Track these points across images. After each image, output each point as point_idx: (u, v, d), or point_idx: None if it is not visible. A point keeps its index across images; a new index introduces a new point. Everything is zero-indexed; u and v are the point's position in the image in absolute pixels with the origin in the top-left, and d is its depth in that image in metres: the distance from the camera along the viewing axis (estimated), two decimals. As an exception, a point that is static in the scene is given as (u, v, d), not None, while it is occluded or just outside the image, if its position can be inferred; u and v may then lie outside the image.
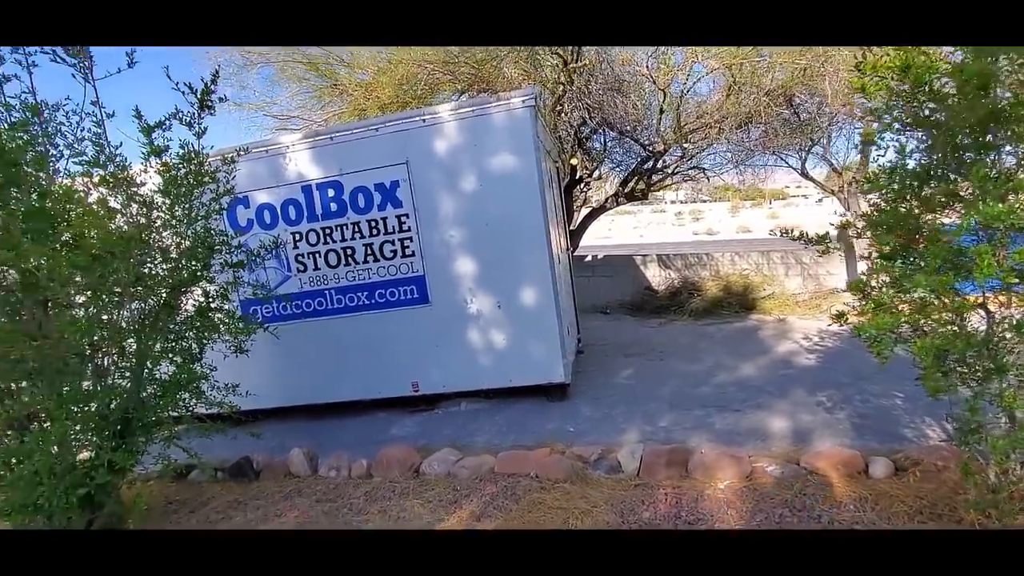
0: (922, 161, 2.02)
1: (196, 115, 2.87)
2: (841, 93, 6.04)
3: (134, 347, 2.98)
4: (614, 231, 27.37)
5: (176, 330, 3.13)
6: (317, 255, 4.81)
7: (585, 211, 9.57)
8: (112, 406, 2.79)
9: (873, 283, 2.09)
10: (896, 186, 2.09)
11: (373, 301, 4.83)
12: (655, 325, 8.30)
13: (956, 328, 1.90)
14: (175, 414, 3.10)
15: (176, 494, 3.75)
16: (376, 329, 4.82)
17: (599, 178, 8.66)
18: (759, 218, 32.48)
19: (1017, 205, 1.73)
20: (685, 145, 7.56)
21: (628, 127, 7.45)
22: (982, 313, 1.91)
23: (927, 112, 1.84)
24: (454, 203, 4.56)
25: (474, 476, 3.31)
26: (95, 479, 2.60)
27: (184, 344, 3.16)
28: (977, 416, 1.83)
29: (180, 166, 2.85)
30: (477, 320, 4.67)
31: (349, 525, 2.97)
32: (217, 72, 2.85)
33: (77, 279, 2.55)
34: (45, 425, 2.66)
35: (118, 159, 2.87)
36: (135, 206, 2.84)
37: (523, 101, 4.36)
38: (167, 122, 2.88)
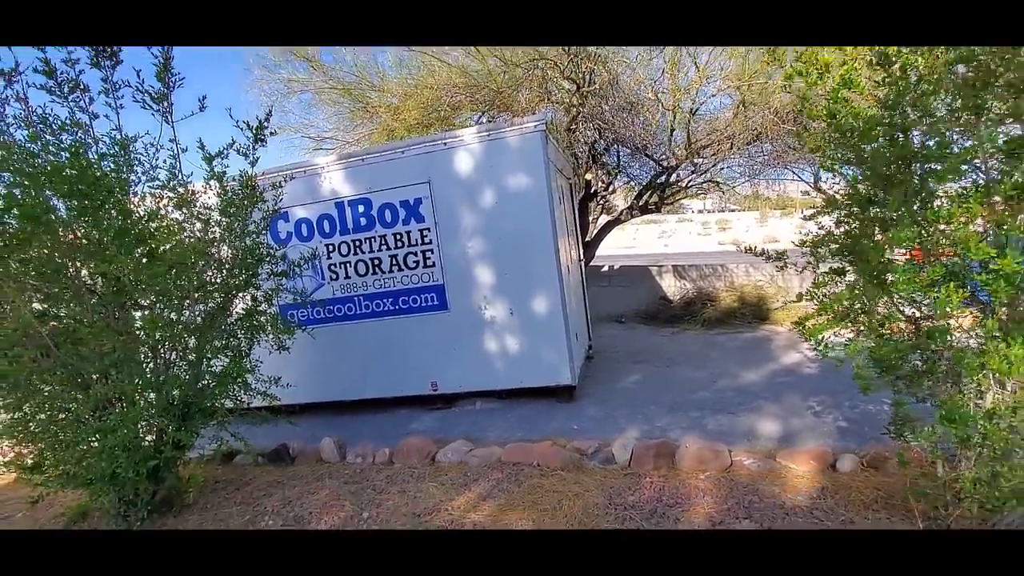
0: (862, 190, 2.34)
1: (251, 147, 3.40)
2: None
3: (193, 343, 3.49)
4: (639, 240, 27.47)
5: (228, 330, 3.63)
6: (348, 264, 5.33)
7: (603, 221, 9.92)
8: (175, 393, 3.31)
9: (822, 293, 2.42)
10: (844, 211, 2.43)
11: (397, 307, 5.31)
12: (668, 334, 8.55)
13: (887, 334, 2.21)
14: (228, 404, 3.61)
15: (223, 475, 4.26)
16: (399, 333, 5.30)
17: (613, 191, 8.98)
18: (788, 228, 32.05)
19: (933, 230, 2.06)
20: (696, 160, 7.86)
21: (641, 144, 7.80)
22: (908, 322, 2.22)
23: (859, 152, 2.17)
24: (471, 218, 5.01)
25: (483, 464, 3.70)
26: (164, 452, 3.10)
27: (235, 342, 3.66)
28: (902, 412, 2.14)
29: (238, 190, 3.36)
30: (491, 325, 5.09)
31: (372, 503, 3.40)
32: (270, 111, 3.37)
33: (153, 285, 3.08)
34: (123, 407, 3.19)
35: (184, 182, 3.42)
36: (198, 223, 3.37)
37: (535, 126, 4.79)
38: (226, 151, 3.42)
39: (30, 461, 3.07)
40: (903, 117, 1.93)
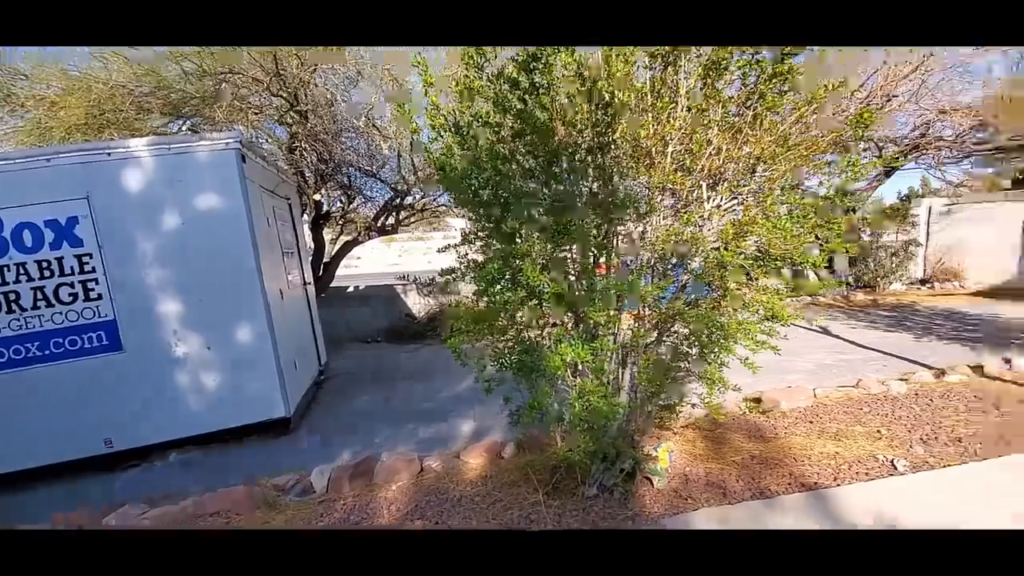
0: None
1: None
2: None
3: None
4: (404, 258, 27.85)
5: None
6: (-39, 303, 4.04)
7: (343, 241, 9.75)
8: None
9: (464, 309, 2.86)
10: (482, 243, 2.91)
11: (49, 352, 4.24)
12: (411, 350, 8.83)
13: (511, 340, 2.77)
14: None
15: None
16: (55, 384, 4.24)
17: (354, 212, 8.93)
18: None
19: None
20: (422, 186, 8.41)
21: (370, 167, 7.98)
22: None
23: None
24: (152, 242, 4.35)
25: (156, 527, 3.22)
26: None
27: None
28: (510, 404, 2.70)
29: None
30: (184, 363, 4.49)
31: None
32: None
33: None
34: None
35: None
36: None
37: (227, 143, 4.45)
38: None
39: None
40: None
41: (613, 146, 2.40)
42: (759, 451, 3.40)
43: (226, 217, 4.49)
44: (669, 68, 2.40)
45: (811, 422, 3.87)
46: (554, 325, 2.93)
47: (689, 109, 2.40)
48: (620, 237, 2.73)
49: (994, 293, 10.51)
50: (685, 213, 2.53)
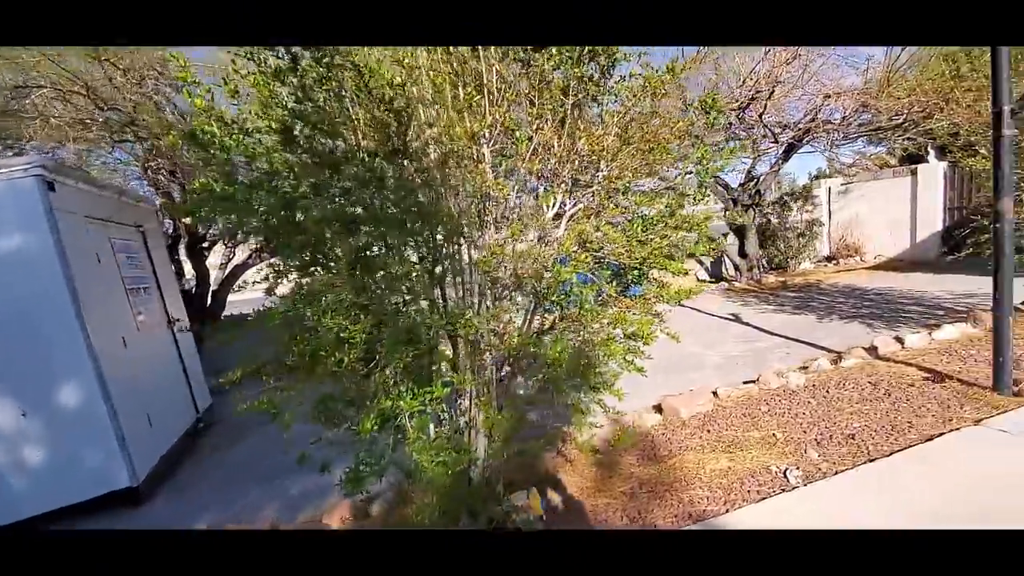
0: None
1: None
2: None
3: None
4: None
5: None
6: None
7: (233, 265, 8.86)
8: None
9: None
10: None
11: None
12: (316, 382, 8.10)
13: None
14: None
15: None
16: None
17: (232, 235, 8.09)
18: None
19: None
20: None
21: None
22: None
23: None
24: (-75, 295, 3.51)
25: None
26: None
27: None
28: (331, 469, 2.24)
29: None
30: (-12, 439, 3.67)
31: None
32: None
33: None
34: None
35: None
36: None
37: (25, 170, 3.67)
38: None
39: None
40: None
41: (414, 151, 1.96)
42: (651, 475, 3.10)
43: (30, 258, 3.70)
44: (472, 56, 1.99)
45: (708, 430, 3.65)
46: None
47: (502, 101, 2.01)
48: (454, 258, 2.31)
49: (890, 265, 11.13)
50: (511, 224, 2.13)
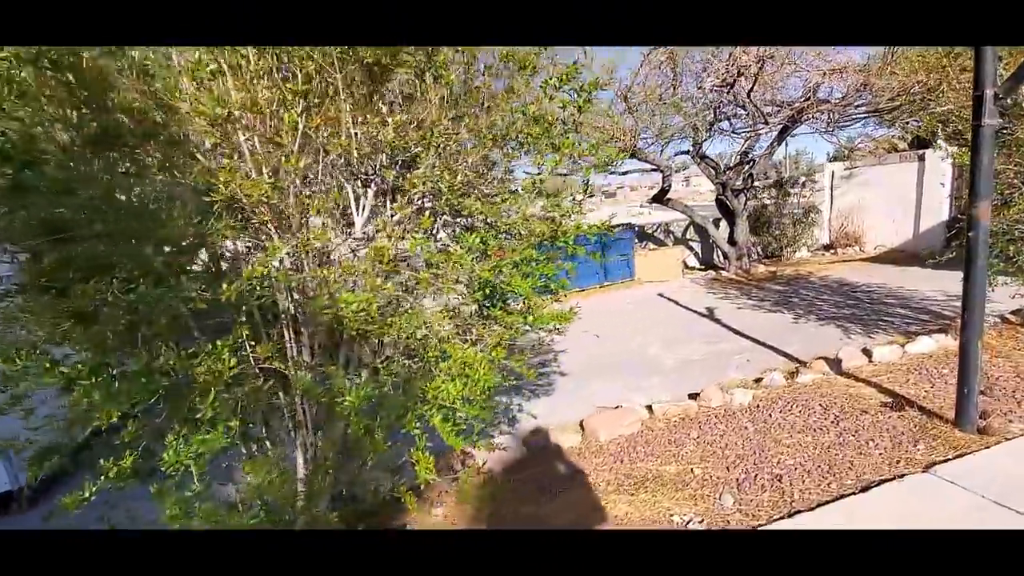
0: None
1: None
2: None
3: None
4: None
5: None
6: None
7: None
8: None
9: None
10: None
11: None
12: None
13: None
14: None
15: None
16: None
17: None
18: None
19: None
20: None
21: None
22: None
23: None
24: None
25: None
26: None
27: None
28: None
29: None
30: None
31: None
32: None
33: None
34: None
35: None
36: None
37: None
38: None
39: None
40: None
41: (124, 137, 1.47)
42: (526, 516, 2.69)
43: None
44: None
45: (623, 460, 3.22)
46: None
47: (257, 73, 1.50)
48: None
49: (890, 257, 10.45)
50: (275, 242, 1.63)
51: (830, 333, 5.66)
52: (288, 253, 1.63)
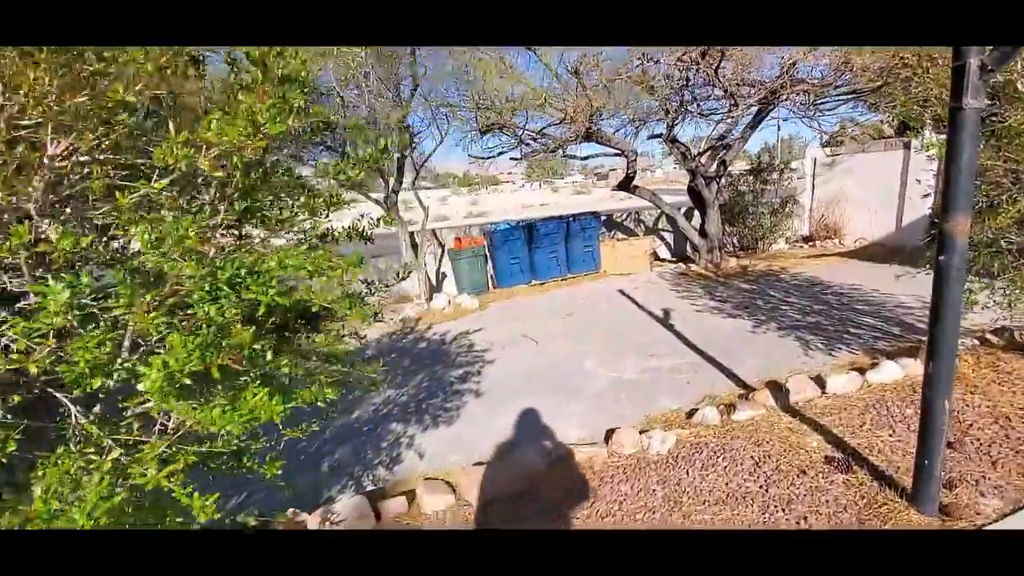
0: None
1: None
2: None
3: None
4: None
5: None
6: None
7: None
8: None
9: None
10: None
11: None
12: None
13: None
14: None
15: None
16: None
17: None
18: (463, 205, 34.69)
19: None
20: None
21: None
22: None
23: None
24: None
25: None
26: None
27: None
28: None
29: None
30: None
31: None
32: None
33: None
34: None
35: None
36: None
37: None
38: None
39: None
40: None
41: None
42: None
43: None
44: None
45: (487, 541, 2.50)
46: None
47: None
48: None
49: (869, 252, 9.78)
50: None
51: (789, 346, 4.96)
52: None
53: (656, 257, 11.37)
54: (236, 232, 1.52)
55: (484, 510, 2.75)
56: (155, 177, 1.22)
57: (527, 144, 7.76)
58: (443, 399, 4.57)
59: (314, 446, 3.90)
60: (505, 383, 4.80)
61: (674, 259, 11.34)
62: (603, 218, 10.98)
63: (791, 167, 11.20)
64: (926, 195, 8.60)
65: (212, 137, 1.16)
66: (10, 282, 1.19)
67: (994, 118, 3.02)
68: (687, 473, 2.85)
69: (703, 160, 9.64)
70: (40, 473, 1.17)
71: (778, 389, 3.79)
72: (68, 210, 1.26)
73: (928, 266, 2.76)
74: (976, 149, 2.14)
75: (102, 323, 1.18)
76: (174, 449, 1.30)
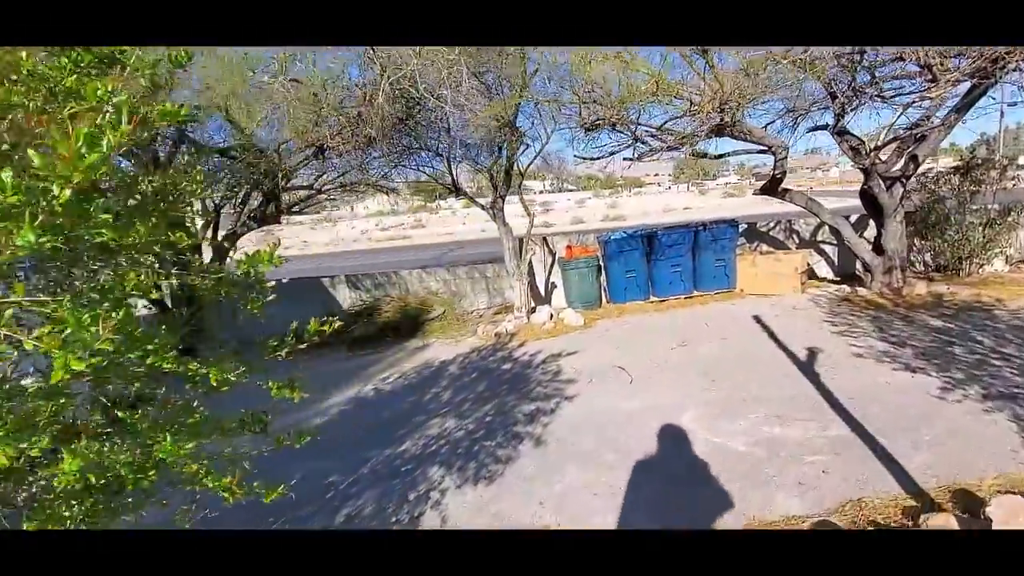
0: None
1: None
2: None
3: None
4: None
5: None
6: None
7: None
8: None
9: None
10: None
11: None
12: (305, 360, 7.53)
13: None
14: None
15: None
16: None
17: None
18: (601, 208, 34.07)
19: None
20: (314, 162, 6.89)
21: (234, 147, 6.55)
22: None
23: None
24: None
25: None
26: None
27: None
28: None
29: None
30: None
31: None
32: None
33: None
34: None
35: None
36: None
37: None
38: None
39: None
40: None
41: None
42: None
43: None
44: None
45: None
46: None
47: None
48: None
49: None
50: None
51: (998, 429, 3.41)
52: None
53: (812, 275, 9.40)
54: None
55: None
56: None
57: (643, 142, 6.77)
58: (499, 442, 4.00)
59: (346, 481, 3.62)
60: (572, 434, 4.05)
61: (837, 279, 9.26)
62: (742, 227, 9.38)
63: (1018, 163, 8.34)
64: None
65: None
66: None
67: None
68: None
69: (882, 156, 7.60)
70: None
71: (973, 503, 2.51)
72: None
73: None
74: None
75: None
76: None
